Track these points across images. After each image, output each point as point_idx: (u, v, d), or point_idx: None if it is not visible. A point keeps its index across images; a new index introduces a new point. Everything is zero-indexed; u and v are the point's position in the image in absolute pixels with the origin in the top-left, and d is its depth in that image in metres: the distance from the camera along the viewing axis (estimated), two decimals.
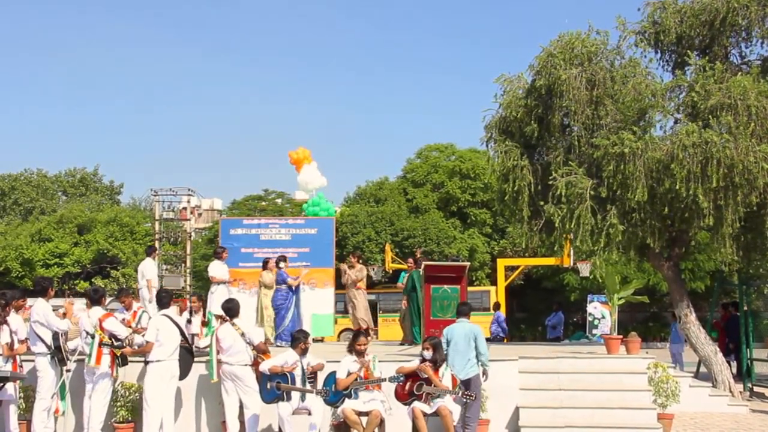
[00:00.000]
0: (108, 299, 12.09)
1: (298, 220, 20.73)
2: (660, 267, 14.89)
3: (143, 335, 10.76)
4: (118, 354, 10.68)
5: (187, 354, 10.82)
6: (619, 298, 13.77)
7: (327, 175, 22.08)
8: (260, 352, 10.64)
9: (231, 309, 10.79)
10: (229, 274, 15.14)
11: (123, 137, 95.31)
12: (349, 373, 10.00)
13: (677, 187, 12.36)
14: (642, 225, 13.29)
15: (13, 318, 10.93)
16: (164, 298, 10.79)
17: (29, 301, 12.31)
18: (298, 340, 10.43)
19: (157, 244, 29.35)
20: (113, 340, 10.61)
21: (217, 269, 14.60)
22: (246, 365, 10.50)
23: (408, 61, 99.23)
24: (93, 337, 10.52)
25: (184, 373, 10.77)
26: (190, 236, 36.52)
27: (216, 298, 13.81)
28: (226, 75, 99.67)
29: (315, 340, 18.38)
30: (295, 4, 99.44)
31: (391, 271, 30.37)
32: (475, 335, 10.48)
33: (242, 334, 10.54)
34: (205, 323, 12.78)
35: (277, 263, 15.10)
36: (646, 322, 35.49)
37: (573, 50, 14.03)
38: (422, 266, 13.72)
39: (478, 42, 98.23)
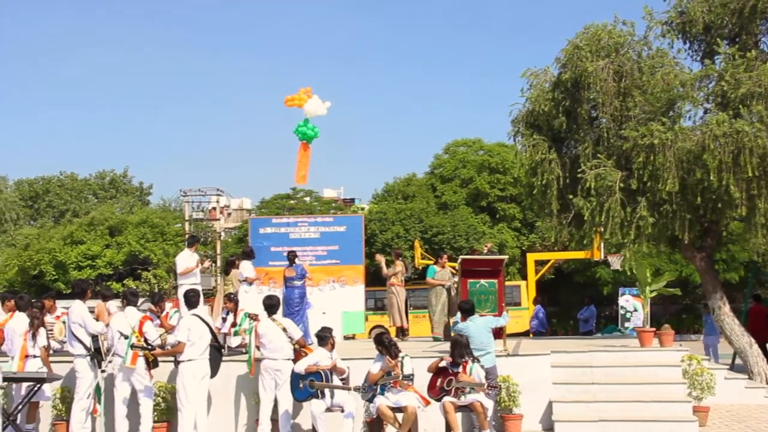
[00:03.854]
0: (140, 300, 12.29)
1: (327, 218, 20.77)
2: (692, 258, 14.73)
3: (175, 335, 10.89)
4: (150, 357, 10.84)
5: (216, 353, 10.95)
6: (651, 291, 13.67)
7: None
8: (302, 346, 10.81)
9: (272, 305, 10.96)
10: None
11: (152, 138, 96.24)
12: (381, 370, 10.07)
13: (710, 177, 12.24)
14: (673, 216, 13.16)
15: (22, 320, 11.04)
16: (192, 298, 10.91)
17: (65, 302, 12.51)
18: (326, 338, 10.56)
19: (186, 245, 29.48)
20: (147, 342, 10.77)
21: (249, 269, 14.66)
22: (289, 359, 10.63)
23: (434, 56, 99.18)
24: (126, 337, 10.66)
25: (213, 372, 10.90)
26: (220, 236, 36.83)
27: (249, 298, 13.88)
28: (254, 74, 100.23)
29: (346, 338, 18.46)
30: (323, 2, 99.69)
31: (420, 268, 30.37)
32: (494, 323, 11.18)
33: (284, 329, 10.69)
34: (235, 324, 12.85)
35: (293, 258, 14.98)
36: (679, 315, 35.14)
37: (599, 42, 13.91)
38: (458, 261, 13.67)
39: (504, 37, 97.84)
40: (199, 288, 12.83)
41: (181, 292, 14.15)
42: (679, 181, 12.69)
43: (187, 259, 14.41)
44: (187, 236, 26.88)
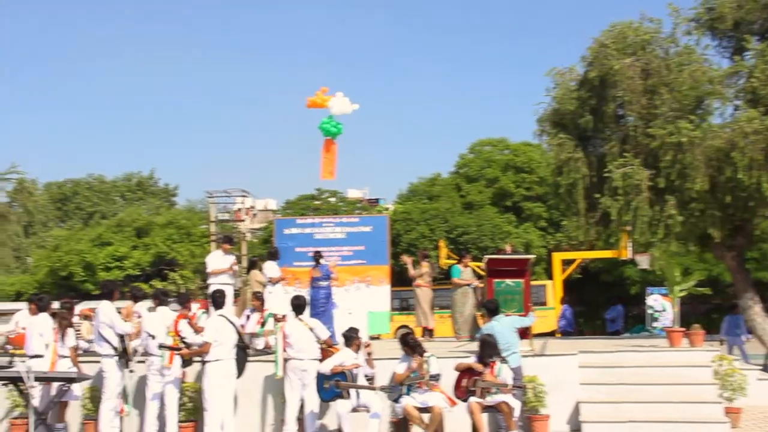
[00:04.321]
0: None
1: (352, 218, 20.80)
2: (722, 257, 14.55)
3: (202, 335, 10.96)
4: (186, 356, 10.93)
5: (242, 353, 11.00)
6: (681, 290, 13.53)
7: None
8: (329, 346, 10.83)
9: (300, 305, 10.99)
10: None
11: (177, 140, 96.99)
12: (406, 370, 10.05)
13: (739, 175, 12.08)
14: (702, 215, 13.01)
15: (44, 319, 11.11)
16: (219, 299, 10.97)
17: (93, 303, 12.62)
18: (352, 338, 10.57)
19: (213, 246, 29.65)
20: (180, 341, 10.88)
21: (274, 269, 14.70)
22: (315, 359, 10.63)
23: (458, 55, 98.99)
24: (153, 337, 10.75)
25: (239, 372, 10.93)
26: (245, 237, 36.88)
27: (274, 298, 13.92)
28: (279, 74, 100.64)
29: (371, 338, 18.46)
30: (347, 2, 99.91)
31: (446, 267, 30.30)
32: (519, 323, 11.06)
33: (311, 329, 10.71)
34: (262, 323, 12.91)
35: (318, 258, 14.99)
36: (709, 314, 34.72)
37: (626, 39, 13.78)
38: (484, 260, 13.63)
39: (529, 35, 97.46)
40: (231, 288, 12.86)
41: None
42: (709, 180, 12.54)
43: (217, 259, 14.45)
44: (219, 236, 27.03)
